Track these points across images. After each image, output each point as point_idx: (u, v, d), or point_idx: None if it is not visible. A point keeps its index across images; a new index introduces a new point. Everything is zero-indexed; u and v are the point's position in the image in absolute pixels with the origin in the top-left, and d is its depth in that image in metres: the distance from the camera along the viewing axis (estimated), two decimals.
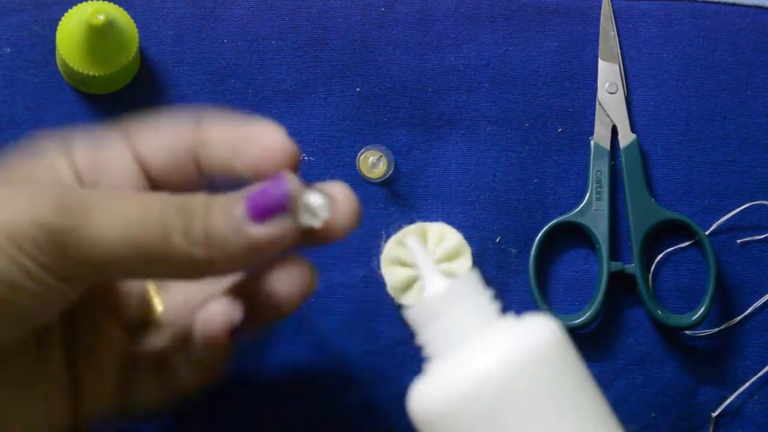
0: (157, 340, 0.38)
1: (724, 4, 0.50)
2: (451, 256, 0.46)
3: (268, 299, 0.35)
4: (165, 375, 0.38)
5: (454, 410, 0.31)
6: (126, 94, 0.47)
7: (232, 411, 0.45)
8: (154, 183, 0.37)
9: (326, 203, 0.34)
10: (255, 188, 0.34)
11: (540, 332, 0.33)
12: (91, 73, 0.44)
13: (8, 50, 0.47)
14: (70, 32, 0.44)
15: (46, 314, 0.34)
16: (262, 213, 0.33)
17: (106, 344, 0.37)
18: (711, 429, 0.47)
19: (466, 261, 0.46)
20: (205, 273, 0.34)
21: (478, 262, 0.47)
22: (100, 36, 0.43)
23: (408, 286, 0.46)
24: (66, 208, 0.32)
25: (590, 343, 0.46)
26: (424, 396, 0.32)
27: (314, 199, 0.34)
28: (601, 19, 0.49)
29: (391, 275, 0.46)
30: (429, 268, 0.34)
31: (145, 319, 0.38)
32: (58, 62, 0.46)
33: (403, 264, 0.45)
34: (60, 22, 0.45)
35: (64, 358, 0.36)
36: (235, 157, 0.35)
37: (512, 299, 0.47)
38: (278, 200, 0.33)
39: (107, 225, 0.32)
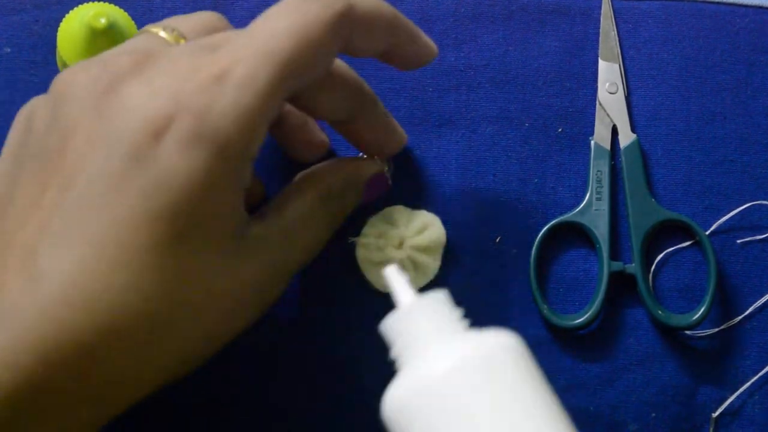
0: None
1: (724, 4, 0.50)
2: (425, 249, 0.46)
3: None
4: None
5: (408, 405, 0.34)
6: None
7: (231, 411, 0.45)
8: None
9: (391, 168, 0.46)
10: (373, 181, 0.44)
11: (495, 341, 0.35)
12: None
13: (8, 50, 0.47)
14: (70, 34, 0.44)
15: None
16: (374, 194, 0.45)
17: None
18: (711, 429, 0.47)
19: (436, 259, 0.46)
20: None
21: (477, 263, 0.47)
22: (101, 39, 0.43)
23: None
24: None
25: (590, 343, 0.47)
26: (388, 398, 0.35)
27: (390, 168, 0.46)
28: (601, 19, 0.49)
29: (374, 274, 0.46)
30: (402, 287, 0.37)
31: None
32: (59, 63, 0.46)
33: (380, 263, 0.46)
34: (61, 24, 0.45)
35: None
36: None
37: (512, 299, 0.47)
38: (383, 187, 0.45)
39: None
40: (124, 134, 0.33)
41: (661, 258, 0.48)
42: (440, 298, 0.37)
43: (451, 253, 0.47)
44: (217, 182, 0.34)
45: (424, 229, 0.46)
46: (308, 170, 0.43)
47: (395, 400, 0.34)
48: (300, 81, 0.36)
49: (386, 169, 0.45)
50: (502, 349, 0.34)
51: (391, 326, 0.37)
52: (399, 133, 0.45)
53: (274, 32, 0.35)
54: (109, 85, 0.34)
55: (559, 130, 0.48)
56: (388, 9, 0.39)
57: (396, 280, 0.38)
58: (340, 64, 0.40)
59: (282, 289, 0.39)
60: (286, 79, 0.35)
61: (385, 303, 0.46)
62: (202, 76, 0.34)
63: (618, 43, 0.49)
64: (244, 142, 0.34)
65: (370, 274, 0.46)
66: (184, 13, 0.47)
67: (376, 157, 0.44)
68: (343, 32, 0.37)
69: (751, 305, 0.48)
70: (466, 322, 0.37)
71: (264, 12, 0.37)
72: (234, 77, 0.34)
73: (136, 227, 0.33)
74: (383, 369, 0.46)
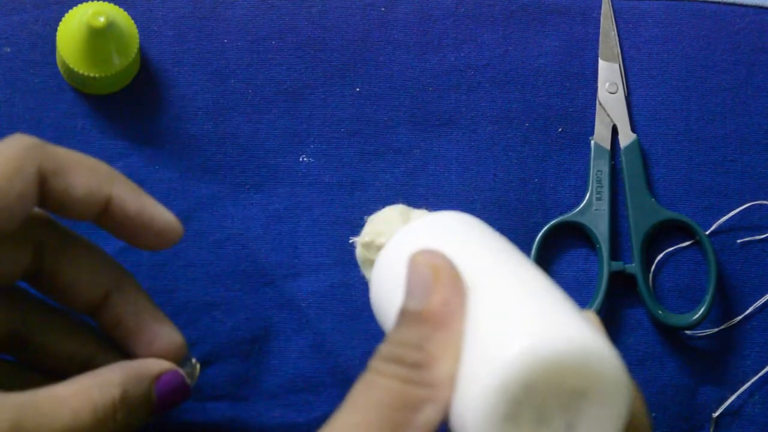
0: None
1: (724, 4, 0.50)
2: None
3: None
4: None
5: (379, 271, 0.37)
6: (126, 94, 0.47)
7: (232, 411, 0.45)
8: None
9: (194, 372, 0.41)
10: (166, 383, 0.39)
11: (445, 214, 0.37)
12: (91, 74, 0.44)
13: (8, 50, 0.47)
14: (70, 33, 0.44)
15: None
16: (169, 401, 0.39)
17: None
18: (711, 429, 0.47)
19: None
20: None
21: None
22: (100, 38, 0.43)
23: None
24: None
25: None
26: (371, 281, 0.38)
27: (191, 372, 0.41)
28: (602, 19, 0.49)
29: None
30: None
31: None
32: (59, 63, 0.46)
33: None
34: (60, 23, 0.45)
35: None
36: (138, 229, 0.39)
37: None
38: (183, 393, 0.40)
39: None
40: None
41: (661, 258, 0.48)
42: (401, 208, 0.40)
43: None
44: None
45: None
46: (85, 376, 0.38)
47: (373, 279, 0.37)
48: None
49: (185, 368, 0.41)
50: (449, 216, 0.37)
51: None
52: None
53: None
54: None
55: (559, 130, 0.48)
56: None
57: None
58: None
59: None
60: None
61: None
62: None
63: (618, 43, 0.49)
64: None
65: (370, 274, 0.46)
66: (184, 12, 0.47)
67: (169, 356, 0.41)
68: None
69: (751, 305, 0.48)
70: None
71: None
72: None
73: None
74: None
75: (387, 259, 0.37)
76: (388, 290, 0.35)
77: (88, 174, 0.37)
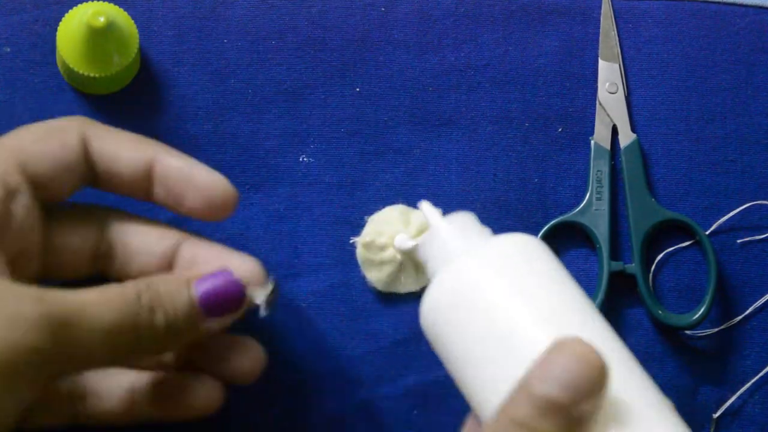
0: None
1: (724, 4, 0.50)
2: None
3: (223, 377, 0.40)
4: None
5: (440, 308, 0.36)
6: (126, 94, 0.47)
7: (232, 411, 0.45)
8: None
9: (269, 299, 0.39)
10: (210, 283, 0.37)
11: (514, 239, 0.37)
12: (91, 74, 0.44)
13: (8, 50, 0.47)
14: (70, 33, 0.44)
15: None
16: (217, 305, 0.37)
17: None
18: (711, 429, 0.47)
19: None
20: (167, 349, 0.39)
21: None
22: (100, 37, 0.43)
23: (392, 279, 0.46)
24: (51, 327, 0.32)
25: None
26: (423, 306, 0.36)
27: (259, 295, 0.39)
28: (601, 19, 0.49)
29: (374, 274, 0.46)
30: (432, 212, 0.39)
31: None
32: (58, 63, 0.46)
33: (381, 263, 0.45)
34: (60, 23, 0.45)
35: None
36: (184, 192, 0.39)
37: None
38: (233, 300, 0.38)
39: (89, 338, 0.34)
40: None
41: (661, 258, 0.48)
42: (468, 215, 0.39)
43: None
44: None
45: (424, 229, 0.46)
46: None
47: (429, 306, 0.36)
48: None
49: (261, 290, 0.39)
50: (517, 245, 0.36)
51: (424, 245, 0.38)
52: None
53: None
54: None
55: (559, 130, 0.48)
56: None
57: (428, 209, 0.39)
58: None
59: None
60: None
61: (385, 303, 0.46)
62: None
63: (618, 43, 0.49)
64: None
65: (370, 274, 0.46)
66: (184, 12, 0.47)
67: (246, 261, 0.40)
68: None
69: (751, 305, 0.47)
70: (490, 231, 0.38)
71: None
72: None
73: None
74: (385, 370, 0.46)
75: (453, 293, 0.36)
76: (461, 331, 0.35)
77: (131, 139, 0.39)
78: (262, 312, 0.39)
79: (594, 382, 0.30)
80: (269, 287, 0.39)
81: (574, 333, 0.31)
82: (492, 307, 0.34)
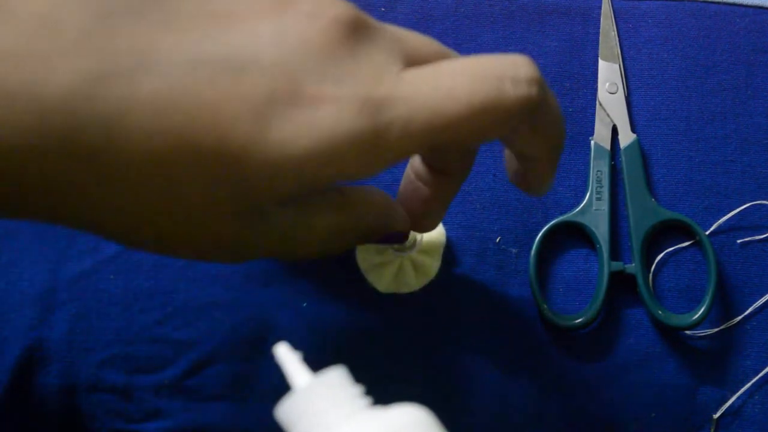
0: None
1: (724, 4, 0.50)
2: (425, 249, 0.46)
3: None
4: None
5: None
6: None
7: (231, 410, 0.45)
8: None
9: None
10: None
11: (399, 419, 0.32)
12: None
13: None
14: None
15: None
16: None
17: None
18: (711, 429, 0.47)
19: (436, 259, 0.46)
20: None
21: (477, 263, 0.47)
22: None
23: (392, 280, 0.46)
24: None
25: (590, 343, 0.47)
26: None
27: None
28: (601, 19, 0.49)
29: (374, 277, 0.46)
30: (296, 368, 0.33)
31: None
32: None
33: (380, 264, 0.46)
34: None
35: None
36: None
37: (512, 299, 0.47)
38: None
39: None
40: None
41: (661, 258, 0.48)
42: (338, 376, 0.33)
43: (451, 253, 0.47)
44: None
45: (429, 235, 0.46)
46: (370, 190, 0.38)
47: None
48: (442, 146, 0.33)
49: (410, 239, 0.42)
50: (406, 427, 0.31)
51: (287, 411, 0.32)
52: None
53: (451, 93, 0.31)
54: None
55: None
56: (561, 124, 0.36)
57: (288, 361, 0.33)
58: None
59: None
60: (433, 139, 0.32)
61: (386, 303, 0.46)
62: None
63: (618, 43, 0.49)
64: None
65: (370, 276, 0.46)
66: None
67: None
68: (514, 122, 0.33)
69: (751, 305, 0.48)
70: (367, 400, 0.33)
71: (457, 60, 0.33)
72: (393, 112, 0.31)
73: None
74: (384, 372, 0.46)
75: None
76: None
77: None
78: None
79: None
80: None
81: None
82: None
